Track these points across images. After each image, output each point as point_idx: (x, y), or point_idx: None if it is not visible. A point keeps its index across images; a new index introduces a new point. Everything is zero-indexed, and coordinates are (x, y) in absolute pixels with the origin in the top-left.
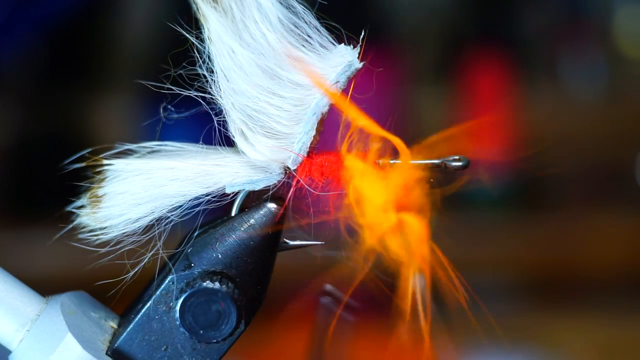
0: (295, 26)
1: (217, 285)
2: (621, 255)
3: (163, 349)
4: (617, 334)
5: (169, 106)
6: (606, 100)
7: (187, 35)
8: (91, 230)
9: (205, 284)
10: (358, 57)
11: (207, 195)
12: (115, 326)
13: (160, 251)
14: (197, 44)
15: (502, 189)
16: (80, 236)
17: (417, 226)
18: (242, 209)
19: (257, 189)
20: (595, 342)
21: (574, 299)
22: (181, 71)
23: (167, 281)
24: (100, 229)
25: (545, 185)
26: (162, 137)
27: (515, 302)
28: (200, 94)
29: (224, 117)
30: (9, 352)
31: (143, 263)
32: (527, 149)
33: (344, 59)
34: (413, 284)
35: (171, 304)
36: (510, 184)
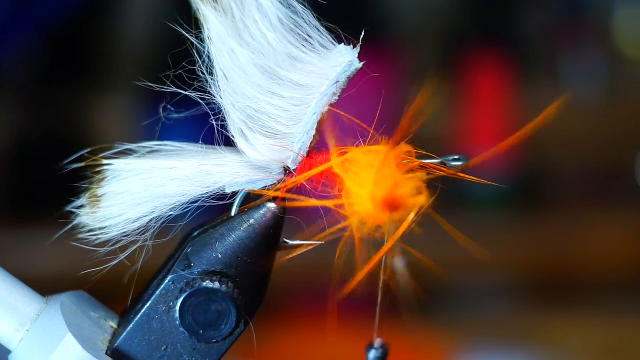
0: (296, 26)
1: (217, 285)
2: (621, 255)
3: (163, 348)
4: (617, 334)
5: (169, 106)
6: (606, 100)
7: (187, 35)
8: (91, 230)
9: (205, 283)
10: (358, 57)
11: (206, 195)
12: (115, 326)
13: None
14: (196, 44)
15: (502, 189)
16: (80, 236)
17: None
18: (241, 209)
19: (257, 189)
20: (595, 342)
21: (574, 299)
22: (181, 71)
23: (167, 281)
24: (100, 228)
25: (545, 185)
26: (162, 137)
27: (515, 302)
28: (200, 94)
29: (224, 117)
30: (8, 352)
31: (141, 263)
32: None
33: (344, 58)
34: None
35: (171, 303)
36: (510, 184)
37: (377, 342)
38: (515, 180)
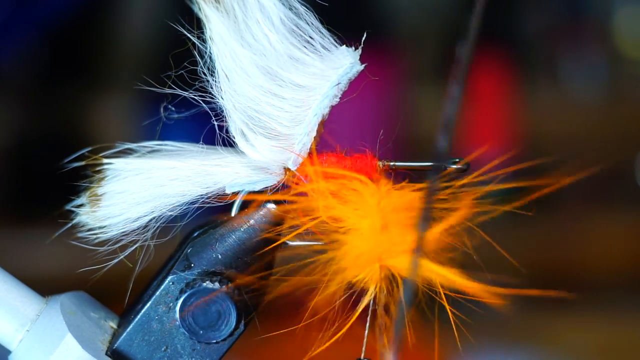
0: (297, 27)
1: (216, 285)
2: (621, 255)
3: (163, 349)
4: (617, 333)
5: (170, 106)
6: (606, 100)
7: (189, 35)
8: (90, 229)
9: (205, 284)
10: (359, 59)
11: (207, 196)
12: (115, 326)
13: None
14: (198, 44)
15: (502, 189)
16: (80, 235)
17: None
18: (242, 209)
19: (257, 190)
20: (595, 342)
21: (574, 299)
22: (182, 71)
23: (166, 281)
24: (100, 227)
25: (545, 185)
26: (162, 137)
27: (515, 302)
28: (201, 95)
29: (225, 117)
30: (8, 352)
31: (141, 263)
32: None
33: (346, 60)
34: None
35: (171, 304)
36: (510, 184)
37: None
38: (515, 180)
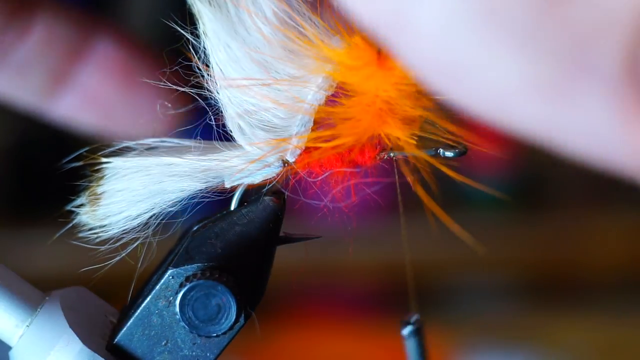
0: (291, 19)
1: (216, 279)
2: (621, 255)
3: (163, 343)
4: (617, 334)
5: (166, 102)
6: None
7: (182, 31)
8: (91, 229)
9: (205, 278)
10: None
11: (206, 190)
12: (115, 321)
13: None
14: (192, 39)
15: (502, 189)
16: (80, 234)
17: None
18: (241, 203)
19: (256, 183)
20: (595, 342)
21: (574, 299)
22: (177, 67)
23: (166, 276)
24: (100, 226)
25: (544, 184)
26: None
27: (515, 302)
28: (197, 90)
29: (221, 112)
30: (9, 347)
31: (142, 259)
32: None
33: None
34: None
35: (171, 298)
36: (510, 183)
37: (413, 317)
38: (515, 180)
